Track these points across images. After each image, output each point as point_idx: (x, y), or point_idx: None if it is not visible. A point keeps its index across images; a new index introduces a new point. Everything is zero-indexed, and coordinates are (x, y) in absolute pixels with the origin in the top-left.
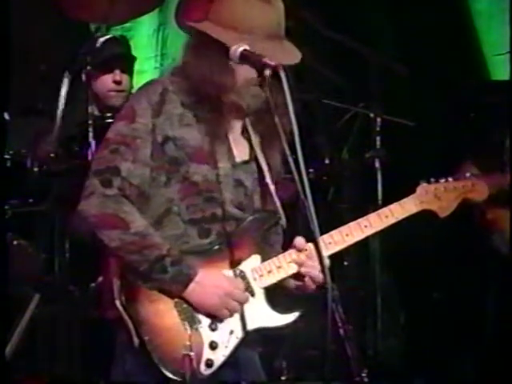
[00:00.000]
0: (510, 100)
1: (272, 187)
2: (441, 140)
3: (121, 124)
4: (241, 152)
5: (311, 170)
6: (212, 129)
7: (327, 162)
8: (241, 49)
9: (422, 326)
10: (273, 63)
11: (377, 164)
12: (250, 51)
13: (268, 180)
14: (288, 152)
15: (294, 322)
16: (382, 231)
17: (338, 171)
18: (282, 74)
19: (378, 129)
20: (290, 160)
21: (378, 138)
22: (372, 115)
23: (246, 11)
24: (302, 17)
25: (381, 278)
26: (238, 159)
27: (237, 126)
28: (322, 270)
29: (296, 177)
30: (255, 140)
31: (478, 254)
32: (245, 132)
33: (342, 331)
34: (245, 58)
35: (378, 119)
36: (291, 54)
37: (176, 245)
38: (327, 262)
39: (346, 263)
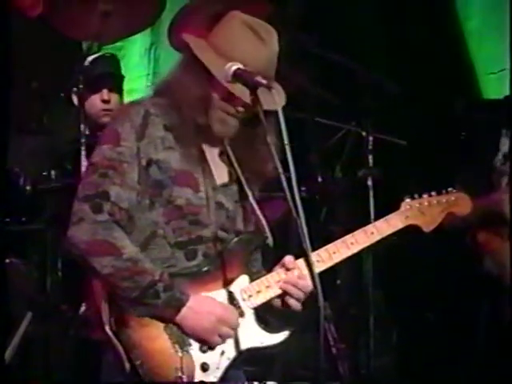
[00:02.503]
0: (510, 116)
1: (256, 206)
2: (433, 159)
3: (106, 148)
4: (220, 175)
5: (303, 189)
6: (192, 152)
7: (320, 180)
8: (234, 67)
9: (414, 344)
10: (265, 81)
11: (369, 182)
12: (243, 69)
13: (252, 200)
14: (280, 170)
15: (286, 340)
16: (374, 250)
17: (331, 190)
18: (276, 94)
19: (370, 147)
20: (283, 178)
21: (370, 157)
22: (364, 133)
23: (241, 44)
24: (293, 36)
25: (373, 296)
26: (218, 182)
27: (215, 148)
28: (315, 288)
29: (288, 195)
30: (235, 162)
31: (471, 274)
32: (223, 154)
33: (334, 350)
34: (238, 76)
35: (371, 137)
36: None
37: (163, 268)
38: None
39: (338, 282)
